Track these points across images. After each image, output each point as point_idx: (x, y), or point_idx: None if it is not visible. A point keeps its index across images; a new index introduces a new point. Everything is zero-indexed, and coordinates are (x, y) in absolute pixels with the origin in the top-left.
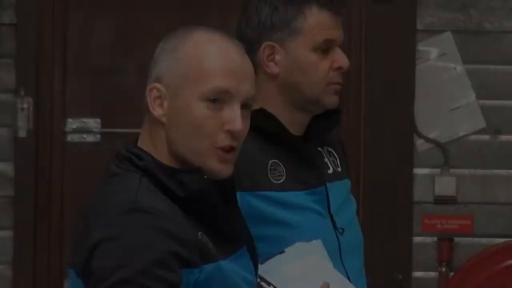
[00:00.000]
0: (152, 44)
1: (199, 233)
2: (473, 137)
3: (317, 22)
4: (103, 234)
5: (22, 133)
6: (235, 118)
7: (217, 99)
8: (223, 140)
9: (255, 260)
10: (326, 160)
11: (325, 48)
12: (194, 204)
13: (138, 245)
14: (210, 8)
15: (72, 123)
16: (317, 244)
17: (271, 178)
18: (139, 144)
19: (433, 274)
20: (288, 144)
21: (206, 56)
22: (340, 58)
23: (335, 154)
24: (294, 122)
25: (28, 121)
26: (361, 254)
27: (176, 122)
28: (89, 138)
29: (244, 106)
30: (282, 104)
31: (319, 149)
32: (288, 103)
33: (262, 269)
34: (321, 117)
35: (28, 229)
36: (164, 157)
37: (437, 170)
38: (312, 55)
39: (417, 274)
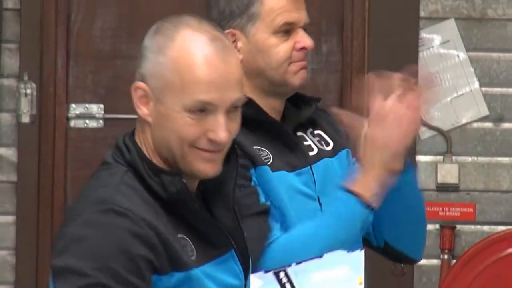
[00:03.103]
0: None
1: (179, 235)
2: (476, 124)
3: (274, 5)
4: (77, 232)
5: (25, 119)
6: (218, 128)
7: (200, 110)
8: (205, 145)
9: (247, 263)
10: (309, 142)
11: (285, 31)
12: (176, 206)
13: (112, 249)
14: None
15: (75, 109)
16: (356, 255)
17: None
18: (135, 135)
19: (435, 261)
20: (269, 129)
21: (188, 68)
22: (302, 39)
23: (321, 133)
24: (267, 108)
25: (31, 106)
26: None
27: (161, 125)
28: (92, 124)
29: (232, 108)
30: (251, 90)
31: (299, 133)
32: (257, 89)
33: (294, 269)
34: (300, 104)
35: (31, 215)
36: (151, 154)
37: (440, 158)
38: (272, 39)
39: (419, 261)
